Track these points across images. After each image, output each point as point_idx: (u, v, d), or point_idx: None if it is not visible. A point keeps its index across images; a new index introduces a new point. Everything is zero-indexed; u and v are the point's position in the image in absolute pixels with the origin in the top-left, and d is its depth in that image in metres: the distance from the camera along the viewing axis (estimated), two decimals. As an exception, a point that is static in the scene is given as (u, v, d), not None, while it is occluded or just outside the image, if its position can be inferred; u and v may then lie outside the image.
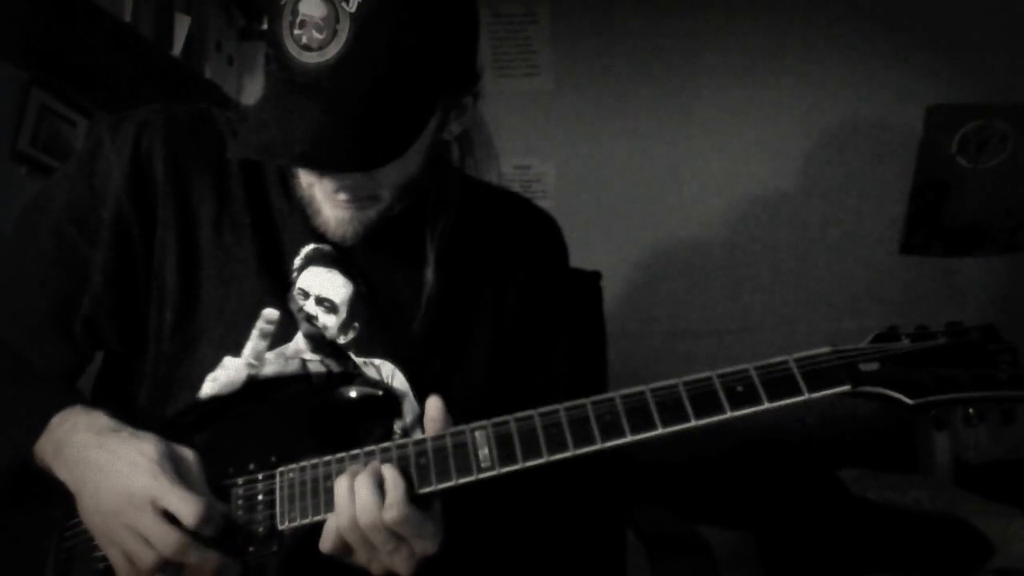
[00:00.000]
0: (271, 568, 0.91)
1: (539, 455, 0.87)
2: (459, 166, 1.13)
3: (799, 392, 0.85)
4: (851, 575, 1.95)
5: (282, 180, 1.05)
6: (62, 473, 0.92)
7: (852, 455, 2.33)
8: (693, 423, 0.86)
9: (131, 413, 0.96)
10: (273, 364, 1.01)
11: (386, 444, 0.91)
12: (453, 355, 1.08)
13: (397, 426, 1.03)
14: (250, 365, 1.01)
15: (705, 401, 0.86)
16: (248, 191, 1.05)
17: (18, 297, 1.03)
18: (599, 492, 1.30)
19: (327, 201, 0.99)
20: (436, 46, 0.91)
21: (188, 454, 0.92)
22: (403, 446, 0.90)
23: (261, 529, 0.92)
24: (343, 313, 1.04)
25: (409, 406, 1.04)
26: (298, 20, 0.86)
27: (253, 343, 1.01)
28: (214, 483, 0.93)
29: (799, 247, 2.52)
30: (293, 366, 1.02)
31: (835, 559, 1.98)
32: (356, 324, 1.05)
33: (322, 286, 1.04)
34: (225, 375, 1.00)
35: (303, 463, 0.93)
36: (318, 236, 1.03)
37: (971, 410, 0.85)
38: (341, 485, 0.87)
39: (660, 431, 0.86)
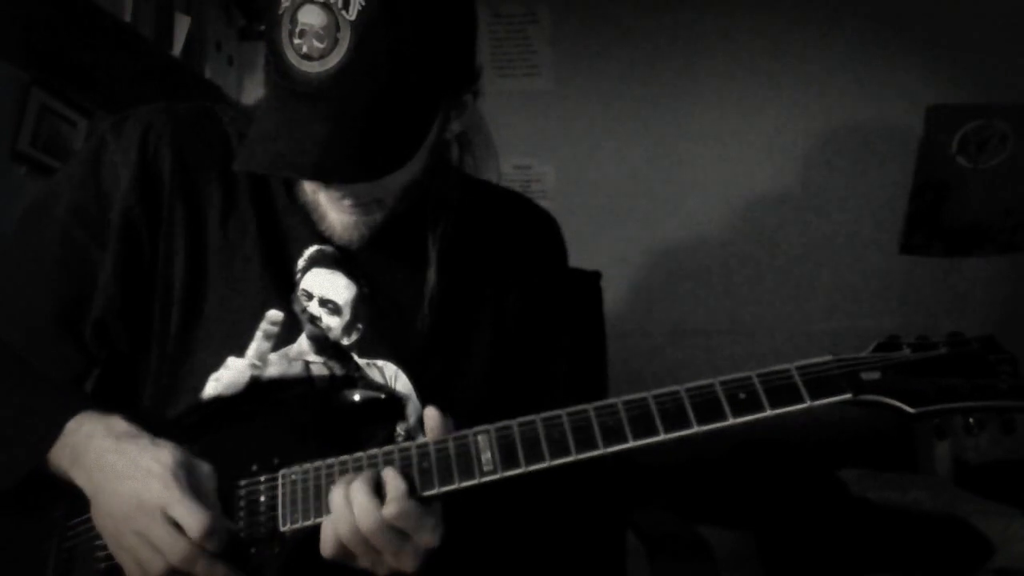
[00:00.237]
0: (273, 569, 0.91)
1: (542, 459, 0.87)
2: (458, 165, 1.13)
3: (801, 400, 0.86)
4: (851, 575, 1.96)
5: (287, 182, 1.05)
6: (80, 479, 0.91)
7: (852, 455, 2.32)
8: (695, 429, 0.86)
9: (133, 413, 0.96)
10: (276, 366, 1.01)
11: (388, 447, 0.91)
12: (455, 355, 1.08)
13: (400, 428, 1.03)
14: (253, 366, 1.00)
15: (708, 408, 0.86)
16: (253, 191, 1.04)
17: (24, 300, 1.02)
18: (599, 493, 1.30)
19: (332, 206, 0.99)
20: (437, 49, 0.90)
21: (204, 467, 0.92)
22: (406, 449, 0.90)
23: (263, 530, 0.92)
24: (346, 314, 1.04)
25: (412, 408, 1.04)
26: (298, 29, 0.85)
27: (257, 344, 1.01)
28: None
29: (799, 247, 2.52)
30: (296, 368, 1.02)
31: (835, 559, 1.98)
32: (360, 325, 1.04)
33: (325, 288, 1.04)
34: (228, 375, 1.00)
35: (305, 465, 0.93)
36: (322, 238, 1.03)
37: (972, 419, 0.86)
38: (336, 494, 0.87)
39: (662, 437, 0.86)
